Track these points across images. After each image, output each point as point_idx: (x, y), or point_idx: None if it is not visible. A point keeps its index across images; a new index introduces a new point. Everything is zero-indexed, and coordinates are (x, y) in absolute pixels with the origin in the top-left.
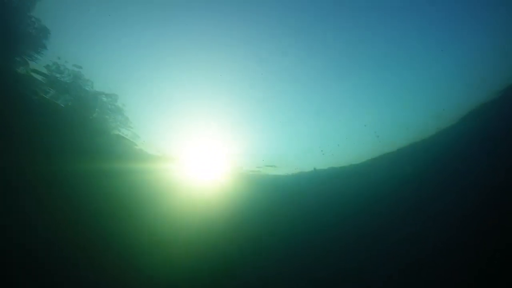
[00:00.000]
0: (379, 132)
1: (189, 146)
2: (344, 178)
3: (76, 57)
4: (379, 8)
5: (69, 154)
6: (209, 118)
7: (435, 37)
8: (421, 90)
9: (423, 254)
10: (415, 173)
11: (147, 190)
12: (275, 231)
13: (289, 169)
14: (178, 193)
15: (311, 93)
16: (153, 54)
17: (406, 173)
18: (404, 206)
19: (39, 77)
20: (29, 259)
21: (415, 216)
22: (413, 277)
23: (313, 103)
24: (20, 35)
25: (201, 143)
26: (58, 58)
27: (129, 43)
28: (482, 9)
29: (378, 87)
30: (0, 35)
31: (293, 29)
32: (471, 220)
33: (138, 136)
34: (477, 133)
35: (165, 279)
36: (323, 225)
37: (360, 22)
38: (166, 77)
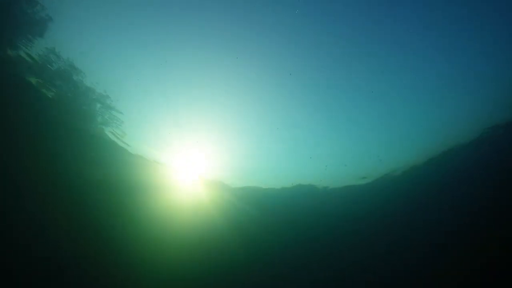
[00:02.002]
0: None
1: (173, 150)
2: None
3: (71, 50)
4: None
5: (50, 145)
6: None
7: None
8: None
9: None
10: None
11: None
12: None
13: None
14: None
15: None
16: (149, 56)
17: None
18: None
19: (29, 62)
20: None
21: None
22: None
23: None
24: (18, 19)
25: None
26: (51, 49)
27: (125, 43)
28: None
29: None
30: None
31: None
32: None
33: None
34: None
35: None
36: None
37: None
38: (160, 79)
